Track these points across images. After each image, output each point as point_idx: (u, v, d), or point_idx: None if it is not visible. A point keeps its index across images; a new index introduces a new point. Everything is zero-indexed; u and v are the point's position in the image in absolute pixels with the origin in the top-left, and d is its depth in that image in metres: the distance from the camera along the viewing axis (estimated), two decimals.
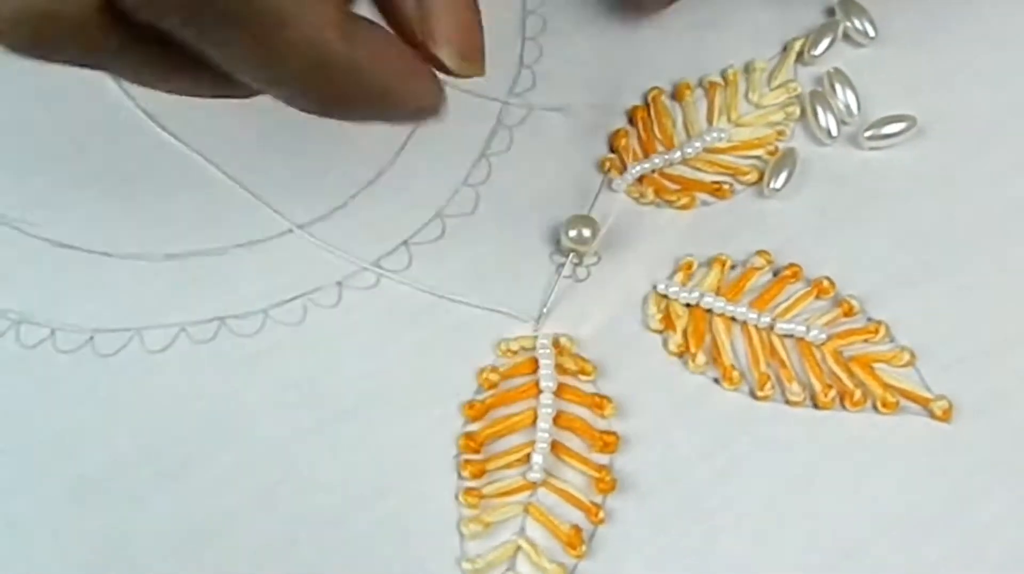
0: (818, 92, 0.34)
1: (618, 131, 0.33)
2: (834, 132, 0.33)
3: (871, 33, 0.34)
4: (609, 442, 0.29)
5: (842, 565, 0.28)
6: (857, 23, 0.34)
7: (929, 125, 0.33)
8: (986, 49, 0.35)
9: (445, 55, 0.25)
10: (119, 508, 0.28)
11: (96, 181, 0.32)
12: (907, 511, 0.29)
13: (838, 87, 0.33)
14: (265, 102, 0.31)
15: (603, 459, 0.29)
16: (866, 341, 0.31)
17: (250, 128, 0.33)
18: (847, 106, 0.33)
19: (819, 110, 0.33)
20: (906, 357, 0.30)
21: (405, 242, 0.32)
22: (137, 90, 0.33)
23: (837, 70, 0.34)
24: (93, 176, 0.32)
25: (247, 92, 0.24)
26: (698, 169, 0.33)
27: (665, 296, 0.31)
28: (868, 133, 0.33)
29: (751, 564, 0.28)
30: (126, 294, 0.31)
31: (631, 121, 0.34)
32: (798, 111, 0.34)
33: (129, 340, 0.30)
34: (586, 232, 0.31)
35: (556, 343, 0.31)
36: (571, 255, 0.31)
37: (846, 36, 0.35)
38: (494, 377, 0.30)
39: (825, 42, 0.34)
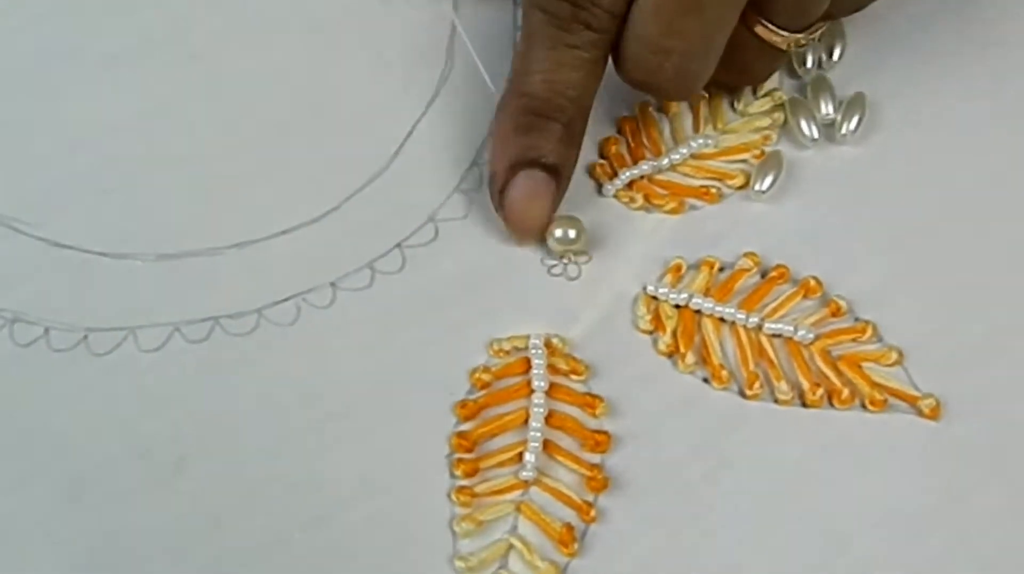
0: (797, 99, 0.34)
1: (608, 139, 0.34)
2: (816, 135, 0.34)
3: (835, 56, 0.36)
4: (601, 441, 0.29)
5: (832, 563, 0.28)
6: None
7: (913, 127, 0.34)
8: (964, 52, 0.36)
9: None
10: (112, 507, 0.28)
11: (91, 181, 0.32)
12: (896, 509, 0.29)
13: (821, 97, 0.34)
14: (266, 108, 0.32)
15: (595, 458, 0.29)
16: (854, 340, 0.31)
17: (245, 130, 0.33)
18: (827, 113, 0.34)
19: (800, 119, 0.34)
20: (894, 356, 0.31)
21: (399, 244, 0.32)
22: (133, 90, 0.34)
23: (820, 78, 0.35)
24: (88, 176, 0.32)
25: None
26: (686, 174, 0.34)
27: (655, 297, 0.32)
28: (843, 130, 0.34)
29: (742, 562, 0.28)
30: (120, 294, 0.31)
31: (619, 131, 0.34)
32: (783, 117, 0.34)
33: (123, 339, 0.30)
34: (571, 232, 0.31)
35: (548, 343, 0.31)
36: (562, 257, 0.32)
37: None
38: (486, 377, 0.30)
39: (811, 57, 0.35)
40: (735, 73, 0.33)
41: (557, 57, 0.30)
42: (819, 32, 0.32)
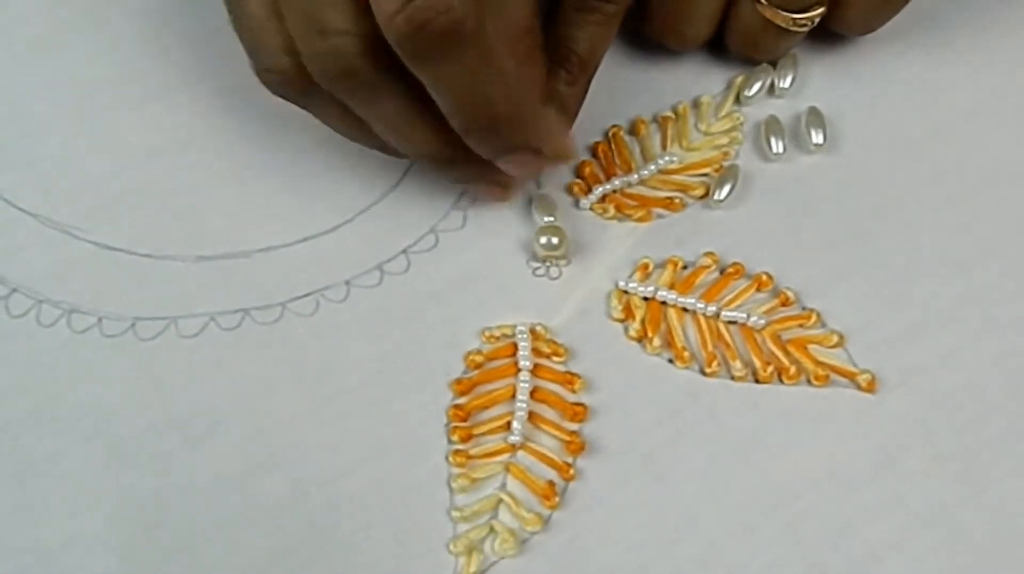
0: (774, 118, 0.39)
1: (583, 163, 0.38)
2: (781, 151, 0.38)
3: (785, 84, 0.40)
4: (578, 412, 0.34)
5: (777, 515, 0.32)
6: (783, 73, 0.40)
7: (851, 145, 0.39)
8: (897, 86, 0.40)
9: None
10: (153, 467, 0.33)
11: (138, 195, 0.37)
12: (836, 468, 0.33)
13: (813, 130, 0.38)
14: (293, 137, 0.36)
15: (573, 426, 0.34)
16: (801, 326, 0.35)
17: (273, 153, 0.38)
18: (817, 143, 0.38)
19: (772, 137, 0.38)
20: (835, 339, 0.35)
21: (404, 250, 0.37)
22: (173, 119, 0.38)
23: (813, 110, 0.39)
24: (136, 191, 0.37)
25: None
26: (653, 187, 0.38)
27: (626, 291, 0.36)
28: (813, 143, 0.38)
29: (699, 514, 0.33)
30: (164, 289, 0.35)
31: (594, 155, 0.39)
32: (741, 136, 0.39)
33: (166, 327, 0.35)
34: (554, 240, 0.36)
35: (532, 330, 0.35)
36: (545, 261, 0.36)
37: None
38: (479, 358, 0.34)
39: (758, 84, 0.40)
40: (749, 47, 0.39)
41: (575, 19, 0.36)
42: (817, 13, 0.37)
